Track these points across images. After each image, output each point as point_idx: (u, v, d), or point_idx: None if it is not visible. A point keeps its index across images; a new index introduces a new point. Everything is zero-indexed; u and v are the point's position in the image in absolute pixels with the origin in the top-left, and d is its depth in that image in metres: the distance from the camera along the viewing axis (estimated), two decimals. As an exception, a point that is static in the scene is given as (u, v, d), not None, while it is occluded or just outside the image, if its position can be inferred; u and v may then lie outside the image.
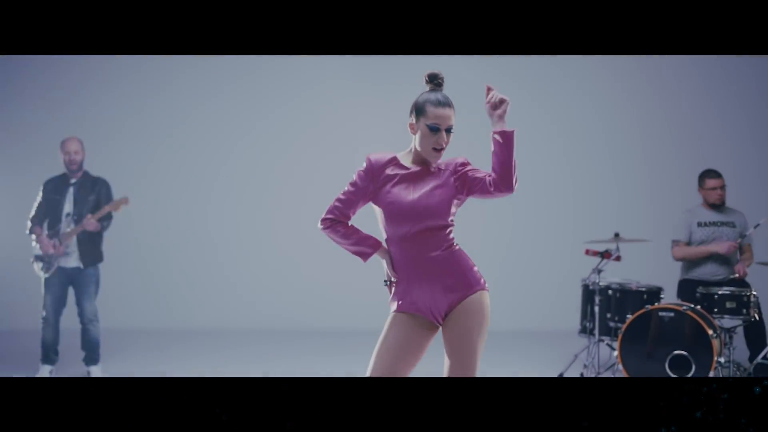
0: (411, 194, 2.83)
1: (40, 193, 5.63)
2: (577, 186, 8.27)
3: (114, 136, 8.12)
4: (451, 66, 8.41)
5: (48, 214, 5.56)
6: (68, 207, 5.51)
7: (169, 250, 8.21)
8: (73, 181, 5.58)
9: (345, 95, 8.26)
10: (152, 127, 8.29)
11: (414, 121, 2.87)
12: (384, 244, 2.93)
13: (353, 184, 2.91)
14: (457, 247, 2.90)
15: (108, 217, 5.52)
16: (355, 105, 8.22)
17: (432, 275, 2.83)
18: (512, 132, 2.78)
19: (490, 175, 2.82)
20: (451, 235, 2.89)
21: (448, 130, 2.83)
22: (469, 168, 2.90)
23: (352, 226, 2.96)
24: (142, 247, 8.11)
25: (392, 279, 2.91)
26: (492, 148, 2.79)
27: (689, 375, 4.80)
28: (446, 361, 2.87)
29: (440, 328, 2.90)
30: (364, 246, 2.92)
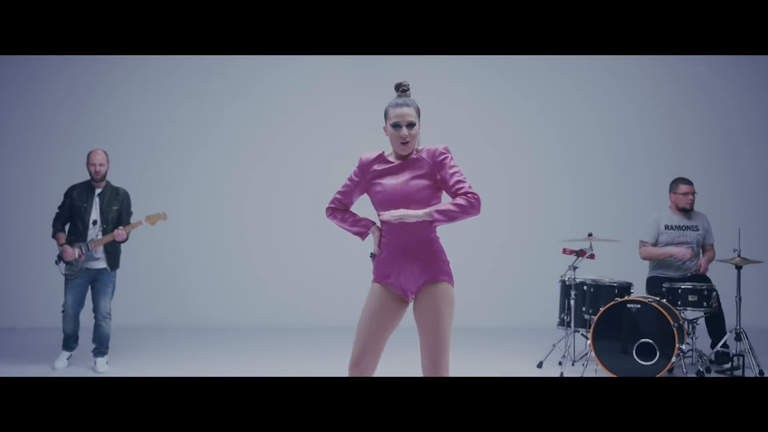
0: (393, 184, 3.35)
1: (64, 198, 5.98)
2: (553, 189, 8.79)
3: (122, 139, 8.43)
4: (427, 65, 8.89)
5: (72, 220, 5.93)
6: (95, 215, 5.89)
7: (178, 251, 8.60)
8: (98, 191, 5.93)
9: (341, 95, 8.64)
10: (159, 130, 8.64)
11: (384, 125, 3.42)
12: (377, 223, 3.47)
13: (349, 179, 3.47)
14: (436, 237, 3.40)
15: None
16: (352, 104, 8.55)
17: (408, 256, 3.34)
18: (432, 215, 3.22)
19: (455, 194, 3.28)
20: (433, 224, 3.30)
21: (410, 125, 3.35)
22: (446, 165, 3.30)
23: (350, 211, 3.51)
24: (152, 248, 8.49)
25: (376, 253, 3.41)
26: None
27: (654, 361, 5.34)
28: (420, 340, 3.31)
29: (410, 305, 3.39)
30: (359, 226, 3.46)
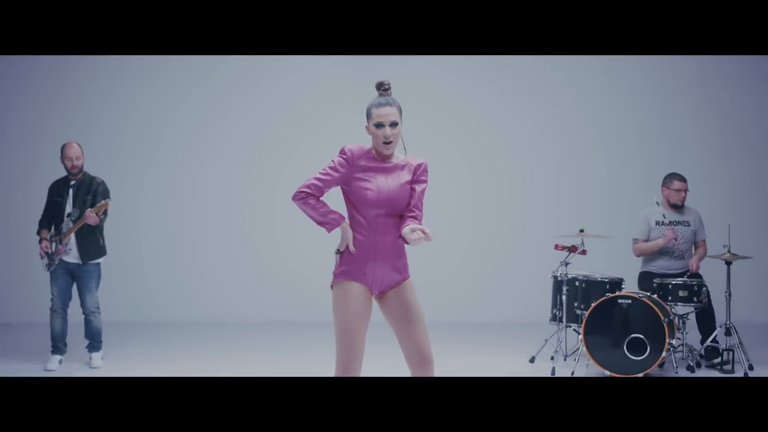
0: (386, 185, 3.37)
1: (47, 196, 6.01)
2: (545, 186, 8.82)
3: (111, 135, 8.49)
4: (421, 65, 8.90)
5: (53, 216, 5.93)
6: (68, 207, 5.87)
7: (169, 247, 8.63)
8: (72, 182, 5.93)
9: (334, 94, 8.64)
10: (149, 126, 8.65)
11: (366, 124, 3.44)
12: (346, 220, 3.43)
13: (333, 168, 3.35)
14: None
15: (104, 212, 5.82)
16: (344, 103, 8.57)
17: (385, 255, 3.37)
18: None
19: (407, 213, 3.40)
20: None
21: (393, 125, 3.37)
22: (420, 183, 3.45)
23: (321, 200, 3.37)
24: (142, 243, 8.53)
25: (346, 250, 3.37)
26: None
27: (644, 356, 5.40)
28: (405, 334, 3.37)
29: (373, 299, 3.42)
30: (329, 219, 3.35)
